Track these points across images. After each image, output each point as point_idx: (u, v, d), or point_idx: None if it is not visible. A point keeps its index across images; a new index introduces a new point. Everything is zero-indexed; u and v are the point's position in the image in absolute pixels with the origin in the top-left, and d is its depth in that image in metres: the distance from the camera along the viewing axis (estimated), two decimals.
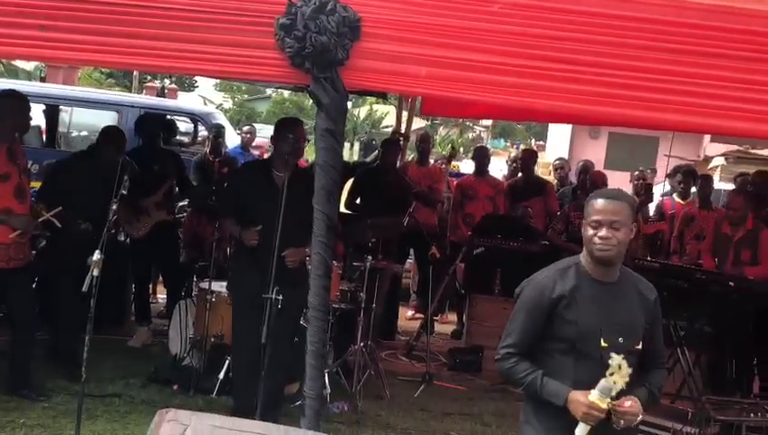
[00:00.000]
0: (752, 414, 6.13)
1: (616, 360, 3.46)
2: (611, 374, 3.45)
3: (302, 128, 6.00)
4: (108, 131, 7.47)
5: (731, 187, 10.98)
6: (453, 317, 10.46)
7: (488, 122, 40.62)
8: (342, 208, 8.86)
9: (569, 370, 3.54)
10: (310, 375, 4.75)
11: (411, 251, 10.00)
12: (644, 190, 9.65)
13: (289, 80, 4.94)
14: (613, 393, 3.43)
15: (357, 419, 6.56)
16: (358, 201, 8.99)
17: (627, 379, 3.46)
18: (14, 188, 5.97)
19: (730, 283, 7.08)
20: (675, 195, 9.93)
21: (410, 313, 10.56)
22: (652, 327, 3.68)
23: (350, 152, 23.63)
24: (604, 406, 3.40)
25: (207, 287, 7.04)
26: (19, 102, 6.19)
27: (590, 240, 3.54)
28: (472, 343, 8.61)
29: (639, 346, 3.59)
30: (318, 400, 4.80)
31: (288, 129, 5.90)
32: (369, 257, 7.11)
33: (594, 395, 3.41)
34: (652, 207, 10.33)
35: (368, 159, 9.96)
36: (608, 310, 3.55)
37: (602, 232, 3.50)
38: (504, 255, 8.65)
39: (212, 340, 6.97)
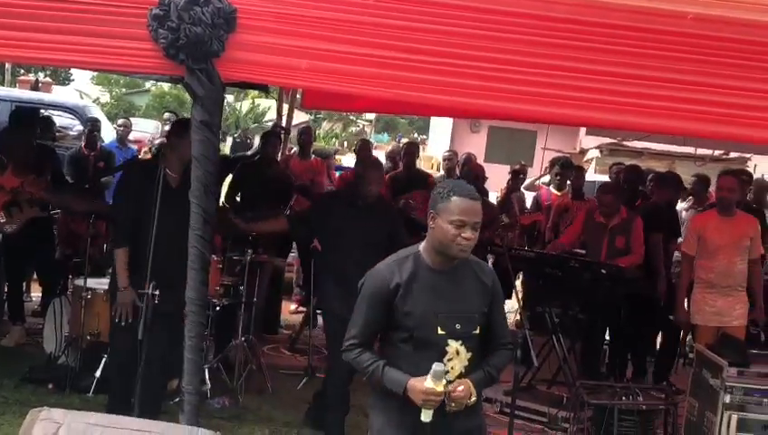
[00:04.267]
0: (623, 397, 6.35)
1: (453, 346, 3.60)
2: (450, 360, 3.57)
3: None
4: None
5: (605, 178, 11.29)
6: None
7: (371, 116, 40.77)
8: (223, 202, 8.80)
9: (410, 358, 3.61)
10: (188, 370, 4.70)
11: (294, 244, 9.97)
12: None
13: (163, 71, 4.85)
14: (450, 377, 3.55)
15: (238, 413, 6.54)
16: (238, 195, 8.90)
17: (466, 363, 3.61)
18: None
19: (602, 270, 7.31)
20: (551, 186, 10.19)
21: (294, 306, 10.54)
22: (492, 310, 3.76)
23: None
24: (440, 389, 3.50)
25: (83, 284, 6.88)
26: None
27: (452, 239, 3.56)
28: None
29: (477, 331, 3.68)
30: (196, 395, 4.74)
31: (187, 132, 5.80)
32: (250, 251, 7.07)
33: (428, 381, 3.49)
34: (529, 199, 10.58)
35: (248, 153, 9.88)
36: (444, 297, 3.62)
37: (467, 233, 3.56)
38: None
39: (88, 338, 6.83)
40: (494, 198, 10.72)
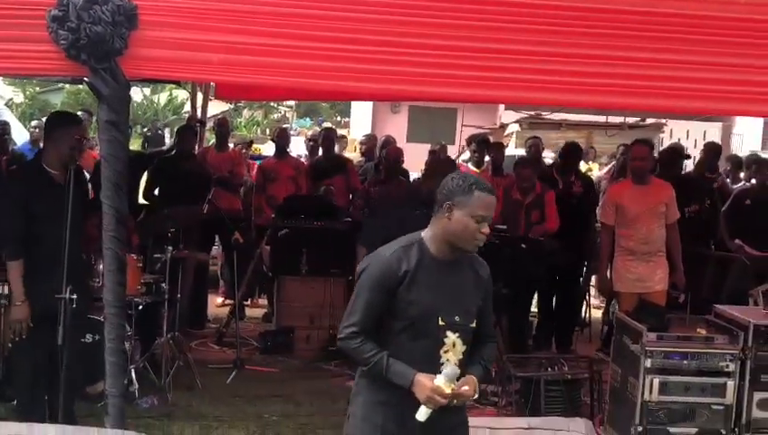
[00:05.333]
0: (549, 368, 6.47)
1: (451, 338, 3.54)
2: (446, 352, 3.53)
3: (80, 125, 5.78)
4: None
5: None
6: (264, 301, 10.44)
7: (293, 102, 40.47)
8: (141, 200, 8.72)
9: (406, 347, 3.53)
10: (110, 373, 4.66)
11: (217, 238, 9.91)
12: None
13: (67, 72, 4.82)
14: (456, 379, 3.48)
15: (168, 412, 6.49)
16: (156, 191, 8.82)
17: (460, 356, 3.56)
18: None
19: (522, 245, 7.42)
20: (470, 163, 10.26)
21: (220, 300, 10.44)
22: (485, 304, 3.72)
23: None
24: (448, 391, 3.43)
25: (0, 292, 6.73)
26: None
27: (472, 234, 3.50)
28: (282, 325, 8.63)
29: (474, 324, 3.64)
30: (121, 397, 4.72)
31: (67, 125, 5.69)
32: (170, 248, 7.01)
33: (440, 380, 3.43)
34: None
35: (164, 148, 9.77)
36: (446, 289, 3.57)
37: (485, 228, 3.52)
38: (309, 234, 8.68)
39: (9, 346, 6.68)
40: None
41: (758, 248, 8.55)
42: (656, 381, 5.81)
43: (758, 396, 5.87)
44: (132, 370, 6.59)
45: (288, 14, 4.66)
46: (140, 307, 6.84)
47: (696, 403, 5.83)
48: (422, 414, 3.45)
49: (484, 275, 3.72)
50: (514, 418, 4.71)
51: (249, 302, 10.35)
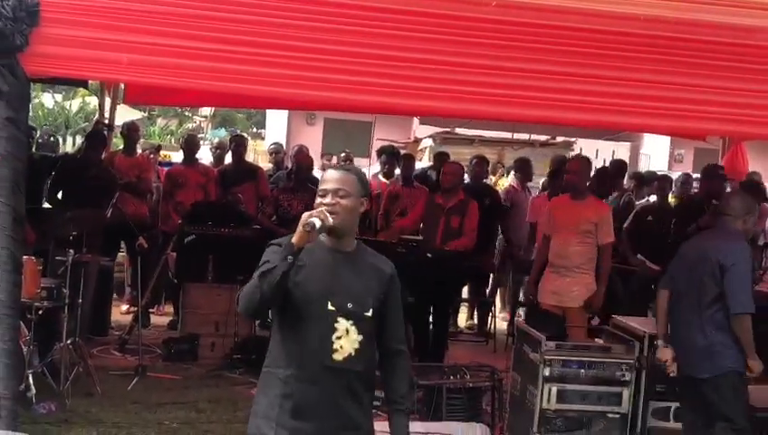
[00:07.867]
0: (451, 377, 6.52)
1: (343, 324, 3.57)
2: (339, 338, 3.55)
3: None
4: None
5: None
6: (170, 308, 10.30)
7: (208, 111, 40.07)
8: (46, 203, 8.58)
9: (298, 328, 3.57)
10: (4, 374, 4.57)
11: (123, 243, 9.76)
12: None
13: None
14: (340, 357, 3.51)
15: (66, 417, 6.37)
16: (60, 194, 8.67)
17: (356, 346, 3.57)
18: None
19: (428, 254, 7.48)
20: (380, 174, 10.34)
21: (125, 307, 10.26)
22: (387, 299, 3.73)
23: (64, 146, 22.57)
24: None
25: None
26: None
27: (317, 208, 3.56)
28: (187, 332, 8.53)
29: (370, 314, 3.65)
30: (13, 400, 4.62)
31: None
32: (72, 252, 6.89)
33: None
34: None
35: (71, 151, 9.60)
36: (337, 275, 3.61)
37: (327, 199, 3.56)
38: (216, 241, 8.63)
39: None
40: None
41: (659, 263, 8.75)
42: (554, 390, 5.91)
43: (653, 405, 6.03)
44: (30, 374, 6.44)
45: (198, 15, 4.65)
46: (40, 311, 6.69)
47: (592, 412, 5.94)
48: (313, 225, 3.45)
49: (386, 271, 3.75)
50: (412, 422, 4.72)
51: (155, 309, 10.20)
